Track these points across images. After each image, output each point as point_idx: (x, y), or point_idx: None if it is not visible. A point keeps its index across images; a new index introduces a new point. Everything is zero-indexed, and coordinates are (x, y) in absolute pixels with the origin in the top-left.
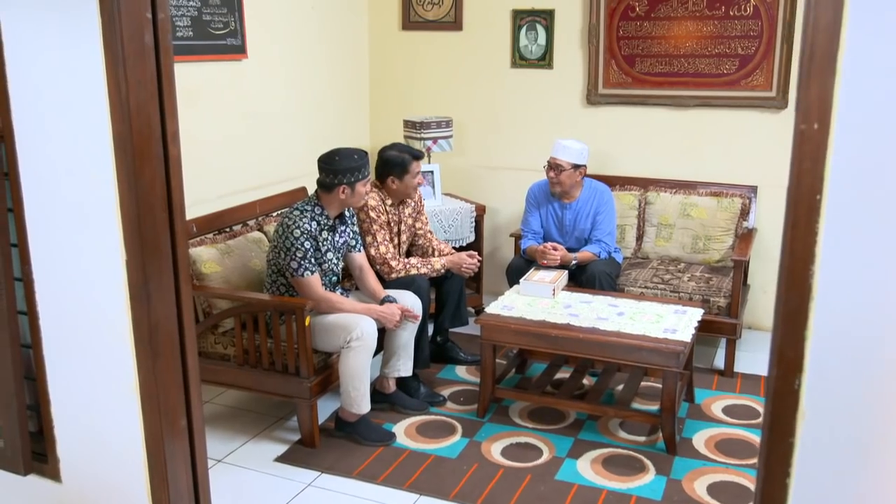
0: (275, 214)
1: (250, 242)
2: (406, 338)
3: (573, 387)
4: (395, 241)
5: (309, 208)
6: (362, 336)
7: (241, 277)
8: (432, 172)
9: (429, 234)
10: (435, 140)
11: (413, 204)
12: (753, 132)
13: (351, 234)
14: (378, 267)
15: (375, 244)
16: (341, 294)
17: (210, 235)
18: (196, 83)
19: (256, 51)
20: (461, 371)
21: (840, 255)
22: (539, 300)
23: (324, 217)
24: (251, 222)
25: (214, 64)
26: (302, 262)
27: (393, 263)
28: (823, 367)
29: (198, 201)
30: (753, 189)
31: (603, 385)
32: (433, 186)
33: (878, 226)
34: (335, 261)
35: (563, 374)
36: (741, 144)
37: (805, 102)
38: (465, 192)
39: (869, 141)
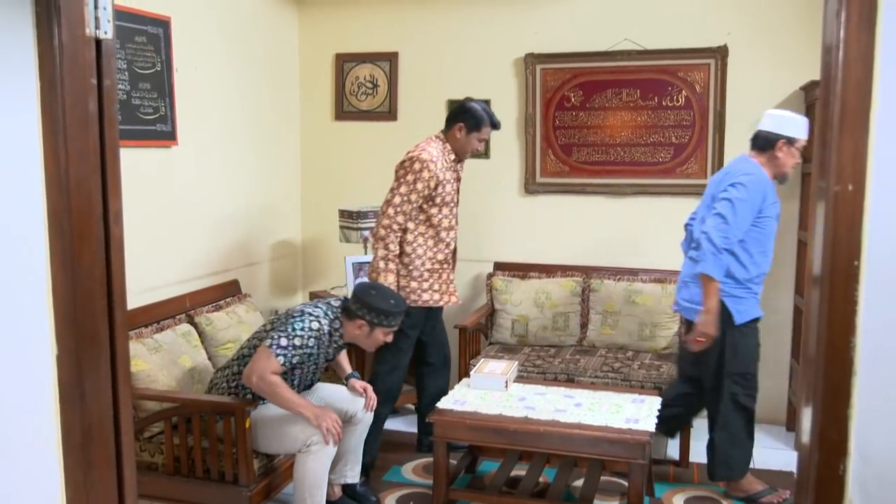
0: (210, 307)
1: (179, 336)
2: (356, 441)
3: (530, 485)
4: (452, 203)
5: (332, 316)
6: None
7: (170, 376)
8: (370, 264)
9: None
10: (372, 230)
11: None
12: None
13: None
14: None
15: (389, 202)
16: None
17: (136, 329)
18: (123, 170)
19: (187, 138)
20: (407, 472)
21: (882, 324)
22: (491, 393)
23: (338, 334)
24: (181, 316)
25: (143, 150)
26: (286, 348)
27: (382, 231)
28: (870, 449)
29: None
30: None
31: (561, 482)
32: None
33: None
34: (314, 378)
35: (518, 471)
36: (680, 231)
37: (838, 162)
38: None
39: None
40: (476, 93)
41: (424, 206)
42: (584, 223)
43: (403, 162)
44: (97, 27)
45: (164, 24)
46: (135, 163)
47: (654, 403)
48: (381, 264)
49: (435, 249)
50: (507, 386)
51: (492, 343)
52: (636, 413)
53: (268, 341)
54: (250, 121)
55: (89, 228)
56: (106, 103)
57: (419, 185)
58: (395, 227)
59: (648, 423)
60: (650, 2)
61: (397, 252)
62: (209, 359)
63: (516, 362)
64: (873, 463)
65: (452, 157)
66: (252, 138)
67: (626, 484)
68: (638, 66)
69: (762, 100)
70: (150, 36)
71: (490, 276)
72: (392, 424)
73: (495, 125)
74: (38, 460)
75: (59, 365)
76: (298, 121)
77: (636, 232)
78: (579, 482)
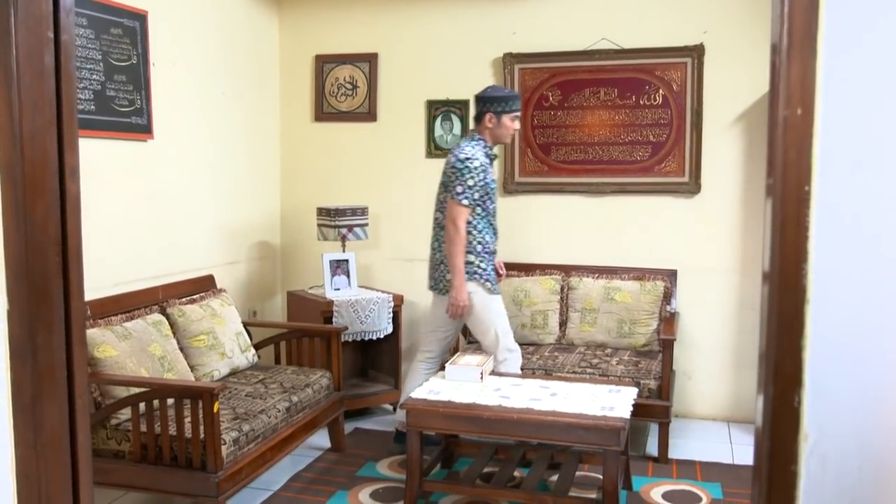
0: (183, 300)
1: (150, 325)
2: None
3: (505, 478)
4: None
5: (474, 142)
6: None
7: (138, 364)
8: (347, 261)
9: None
10: (350, 228)
11: None
12: (669, 217)
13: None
14: None
15: None
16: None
17: (105, 318)
18: (96, 160)
19: (163, 132)
20: (382, 467)
21: (834, 250)
22: (466, 384)
23: (487, 147)
24: (153, 306)
25: (117, 142)
26: (466, 190)
27: None
28: (825, 379)
29: (93, 288)
30: (674, 273)
31: (536, 475)
32: (348, 276)
33: (874, 215)
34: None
35: (492, 467)
36: (658, 229)
37: (786, 86)
38: (380, 284)
39: (856, 122)
40: (455, 93)
41: None
42: (562, 222)
43: None
44: None
45: (140, 17)
46: (108, 154)
47: (630, 393)
48: None
49: None
50: (482, 377)
51: (471, 342)
52: (612, 402)
53: (450, 195)
54: (229, 120)
55: (43, 181)
56: (63, 58)
57: None
58: None
59: (624, 410)
60: (627, 1)
61: None
62: (181, 350)
63: (493, 355)
64: (829, 393)
65: None
66: (231, 137)
67: (602, 477)
68: (615, 65)
69: (738, 98)
70: (127, 28)
71: None
72: (367, 424)
73: None
74: None
75: (10, 320)
76: (278, 121)
77: (614, 230)
78: (556, 477)
